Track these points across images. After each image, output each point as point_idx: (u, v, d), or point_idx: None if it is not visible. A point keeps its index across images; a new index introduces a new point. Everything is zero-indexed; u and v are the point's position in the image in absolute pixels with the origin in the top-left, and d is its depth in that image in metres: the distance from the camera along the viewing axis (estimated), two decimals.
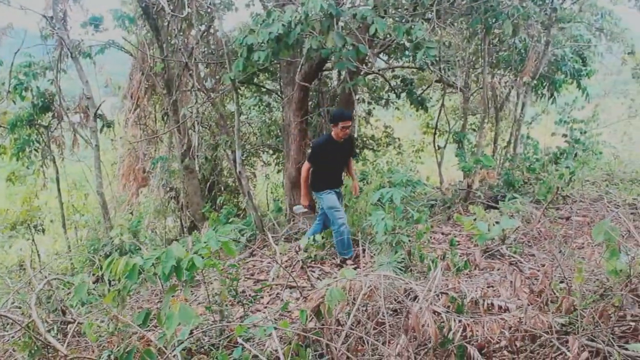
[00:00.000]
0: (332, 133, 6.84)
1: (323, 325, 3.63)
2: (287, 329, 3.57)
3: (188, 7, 8.66)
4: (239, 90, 12.74)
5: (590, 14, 11.74)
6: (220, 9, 10.49)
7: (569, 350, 3.20)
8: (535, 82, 10.65)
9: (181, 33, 10.36)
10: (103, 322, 4.41)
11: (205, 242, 3.79)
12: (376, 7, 7.51)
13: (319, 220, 7.41)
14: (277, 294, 6.00)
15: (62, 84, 10.09)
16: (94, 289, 5.43)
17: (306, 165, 6.93)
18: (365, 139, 14.31)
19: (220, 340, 4.19)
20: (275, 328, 3.53)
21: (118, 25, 9.85)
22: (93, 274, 7.19)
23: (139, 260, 3.71)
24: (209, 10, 10.15)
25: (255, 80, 12.72)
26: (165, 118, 11.77)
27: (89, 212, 12.88)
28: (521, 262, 5.90)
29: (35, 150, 10.92)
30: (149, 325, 4.76)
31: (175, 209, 12.55)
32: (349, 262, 6.80)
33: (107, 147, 12.82)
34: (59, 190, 11.18)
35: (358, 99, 13.43)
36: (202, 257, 3.73)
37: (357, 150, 13.65)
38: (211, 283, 5.40)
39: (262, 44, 6.87)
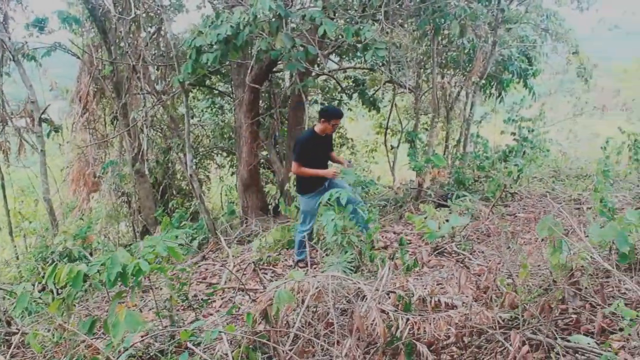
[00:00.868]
0: (317, 128, 6.70)
1: (273, 327, 3.62)
2: (233, 332, 3.55)
3: (135, 9, 8.54)
4: (190, 93, 12.66)
5: (536, 15, 11.97)
6: (169, 10, 10.38)
7: (511, 345, 3.25)
8: (483, 81, 10.82)
9: (130, 35, 10.22)
10: (49, 331, 4.31)
11: (151, 247, 3.73)
12: (325, 8, 7.54)
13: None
14: (230, 297, 5.96)
15: (5, 88, 9.84)
16: (40, 298, 5.32)
17: (295, 165, 6.68)
18: None
19: (169, 346, 4.14)
20: (221, 332, 3.50)
21: (64, 27, 9.64)
22: (39, 283, 7.02)
23: (83, 267, 3.64)
24: (158, 12, 10.03)
25: (208, 82, 12.64)
26: (115, 122, 11.59)
27: (38, 219, 12.59)
28: (470, 259, 5.99)
29: None
30: (97, 333, 4.68)
31: (128, 214, 12.38)
32: (301, 264, 6.77)
33: (56, 152, 12.55)
34: (4, 197, 10.89)
35: (310, 100, 13.45)
36: (149, 262, 3.68)
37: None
38: (161, 288, 5.34)
39: (211, 46, 6.83)
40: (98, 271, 3.68)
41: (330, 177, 6.67)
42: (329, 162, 7.14)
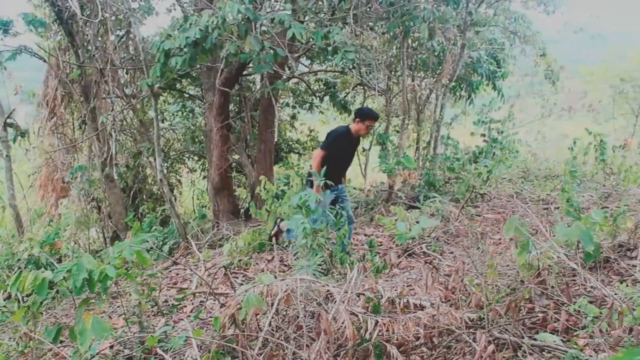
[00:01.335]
0: (352, 128, 6.65)
1: (242, 331, 3.60)
2: (201, 337, 3.53)
3: (103, 12, 8.45)
4: (161, 96, 12.56)
5: (505, 18, 12.14)
6: (139, 13, 10.30)
7: (478, 345, 3.28)
8: (453, 84, 10.92)
9: (98, 38, 10.11)
10: (14, 340, 4.24)
11: (118, 252, 3.69)
12: (295, 11, 7.54)
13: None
14: (201, 302, 5.92)
15: None
16: (4, 306, 5.23)
17: (320, 152, 6.53)
18: (290, 142, 14.32)
19: (137, 353, 4.09)
20: (188, 337, 3.48)
21: (30, 30, 9.49)
22: (4, 291, 6.89)
23: (48, 274, 3.58)
24: (126, 15, 9.94)
25: (178, 86, 12.56)
26: (83, 126, 11.45)
27: (5, 226, 12.38)
28: (440, 260, 6.03)
29: None
30: (64, 341, 4.61)
31: (98, 220, 12.24)
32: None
33: (24, 157, 12.36)
34: None
35: (282, 103, 13.45)
36: (117, 268, 3.64)
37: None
38: (130, 294, 5.28)
39: (181, 49, 6.78)
40: (64, 278, 3.62)
41: (317, 191, 6.35)
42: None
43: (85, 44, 9.89)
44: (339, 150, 6.61)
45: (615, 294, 3.69)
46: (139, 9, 10.37)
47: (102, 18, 8.85)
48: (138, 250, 3.72)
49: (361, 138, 7.09)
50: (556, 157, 12.94)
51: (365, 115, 6.59)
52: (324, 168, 6.20)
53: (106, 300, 5.84)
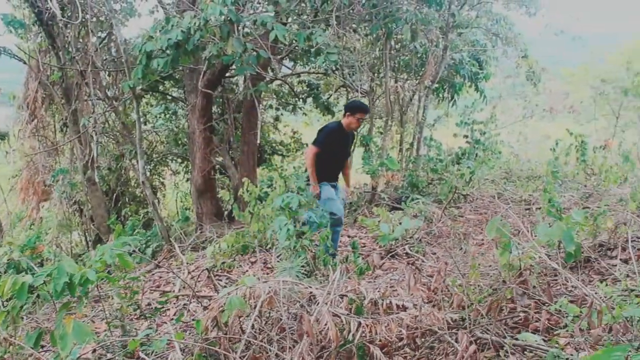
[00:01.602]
0: (344, 122, 6.52)
1: (225, 334, 3.59)
2: (182, 340, 3.51)
3: (84, 13, 8.39)
4: (143, 98, 12.50)
5: (487, 20, 12.21)
6: (121, 15, 10.25)
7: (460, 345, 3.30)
8: (436, 85, 10.96)
9: (79, 40, 10.04)
10: None
11: (99, 256, 3.67)
12: (278, 13, 7.54)
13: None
14: (184, 305, 5.89)
15: None
16: None
17: (312, 148, 6.41)
18: (274, 144, 14.31)
19: (119, 356, 4.07)
20: (170, 340, 3.46)
21: (9, 32, 9.41)
22: None
23: (28, 278, 3.55)
24: (108, 16, 9.88)
25: (161, 88, 12.51)
26: (64, 128, 11.37)
27: None
28: (423, 261, 6.05)
29: None
30: (45, 346, 4.57)
31: (80, 223, 12.15)
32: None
33: (3, 160, 12.24)
34: None
35: (265, 105, 13.44)
36: (98, 271, 3.61)
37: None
38: (111, 298, 5.24)
39: (163, 51, 6.75)
40: (44, 282, 3.59)
41: (314, 193, 6.39)
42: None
43: (66, 45, 9.81)
44: (332, 147, 6.47)
45: (596, 293, 3.72)
46: (120, 11, 10.32)
47: (83, 20, 8.78)
48: (120, 253, 3.69)
49: (356, 133, 6.98)
50: (538, 157, 13.03)
51: (355, 108, 6.48)
52: (322, 165, 6.26)
53: (88, 304, 5.82)
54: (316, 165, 6.40)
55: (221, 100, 11.45)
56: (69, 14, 9.50)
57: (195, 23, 6.43)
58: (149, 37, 6.83)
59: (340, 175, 7.06)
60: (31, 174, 11.76)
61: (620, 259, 4.93)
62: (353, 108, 6.48)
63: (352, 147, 7.04)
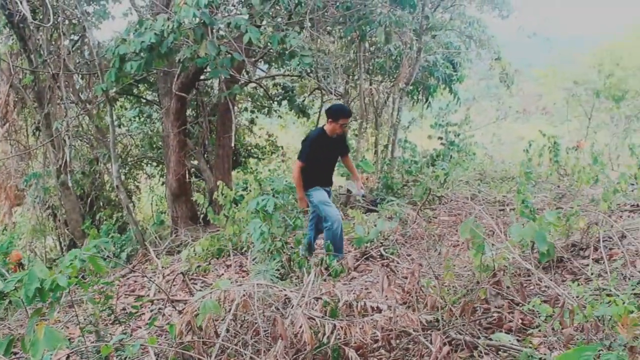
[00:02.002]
0: (327, 128, 6.31)
1: (200, 338, 3.57)
2: (155, 345, 3.49)
3: (55, 16, 8.30)
4: (118, 102, 12.41)
5: (460, 22, 12.30)
6: (94, 18, 10.16)
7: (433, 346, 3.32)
8: (410, 87, 11.01)
9: (52, 43, 9.93)
10: None
11: (71, 260, 3.63)
12: (252, 16, 7.53)
13: (311, 226, 6.74)
14: (159, 309, 5.85)
15: None
16: None
17: (298, 163, 6.26)
18: (249, 147, 14.29)
19: None
20: (142, 344, 3.44)
21: None
22: None
23: None
24: (81, 19, 9.79)
25: (135, 91, 12.42)
26: (37, 132, 11.24)
27: None
28: (398, 263, 6.07)
29: None
30: (17, 353, 4.52)
31: (54, 227, 12.02)
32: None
33: None
34: None
35: (240, 108, 13.41)
36: (71, 277, 3.58)
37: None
38: (86, 303, 5.19)
39: (136, 54, 6.71)
40: (15, 288, 3.55)
41: (301, 205, 6.38)
42: (334, 165, 6.79)
43: (38, 48, 9.70)
44: (317, 154, 6.29)
45: (568, 293, 3.77)
46: (93, 13, 10.23)
47: (55, 22, 8.68)
48: (92, 257, 3.66)
49: (344, 133, 6.84)
50: (512, 159, 13.13)
51: (337, 114, 6.26)
52: (313, 172, 6.19)
53: (62, 309, 5.75)
54: (307, 173, 6.29)
55: (196, 103, 11.40)
56: (40, 17, 9.39)
57: (168, 26, 6.39)
58: (122, 39, 6.78)
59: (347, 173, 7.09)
60: (3, 179, 11.62)
61: (592, 259, 4.99)
62: (335, 114, 6.26)
63: (345, 145, 6.82)
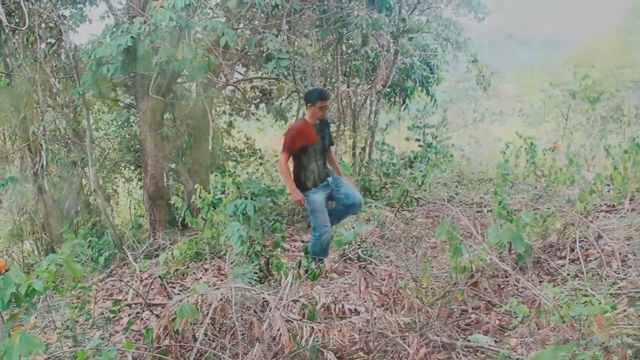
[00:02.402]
0: (307, 116, 6.09)
1: (177, 342, 3.57)
2: (132, 349, 3.48)
3: (31, 19, 8.23)
4: (95, 105, 12.31)
5: (437, 25, 12.36)
6: (70, 21, 10.07)
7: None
8: (387, 90, 11.05)
9: (28, 46, 9.84)
10: None
11: (47, 266, 3.62)
12: (229, 19, 7.54)
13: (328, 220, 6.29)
14: (137, 313, 5.83)
15: None
16: None
17: (283, 156, 5.98)
18: (227, 150, 14.23)
19: None
20: (119, 349, 3.43)
21: None
22: None
23: None
24: (57, 22, 9.70)
25: (112, 94, 12.31)
26: (13, 137, 11.12)
27: None
28: (376, 265, 6.09)
29: None
30: None
31: (32, 232, 11.90)
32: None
33: None
34: None
35: (218, 111, 13.37)
36: (46, 282, 3.56)
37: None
38: (63, 308, 5.16)
39: (112, 57, 6.68)
40: None
41: (296, 200, 6.05)
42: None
43: (14, 52, 9.61)
44: (304, 146, 6.03)
45: (545, 294, 3.82)
46: (70, 17, 10.14)
47: (31, 26, 8.61)
48: (68, 261, 3.64)
49: (328, 120, 6.64)
50: (489, 160, 13.22)
51: (314, 96, 6.01)
52: (303, 168, 6.02)
53: (39, 314, 5.71)
54: (297, 171, 6.14)
55: (172, 106, 11.34)
56: (16, 20, 9.30)
57: (145, 29, 6.39)
58: (98, 43, 6.77)
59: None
60: None
61: (569, 259, 5.06)
62: (312, 97, 6.02)
63: (330, 135, 6.55)
